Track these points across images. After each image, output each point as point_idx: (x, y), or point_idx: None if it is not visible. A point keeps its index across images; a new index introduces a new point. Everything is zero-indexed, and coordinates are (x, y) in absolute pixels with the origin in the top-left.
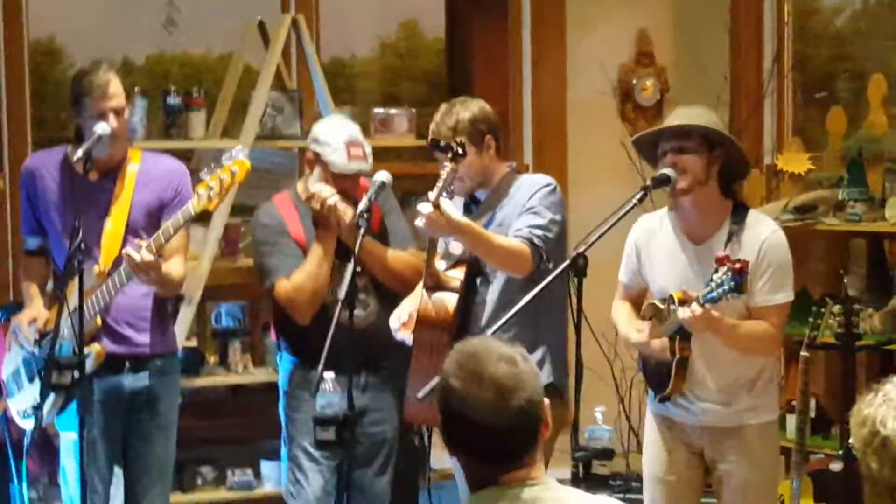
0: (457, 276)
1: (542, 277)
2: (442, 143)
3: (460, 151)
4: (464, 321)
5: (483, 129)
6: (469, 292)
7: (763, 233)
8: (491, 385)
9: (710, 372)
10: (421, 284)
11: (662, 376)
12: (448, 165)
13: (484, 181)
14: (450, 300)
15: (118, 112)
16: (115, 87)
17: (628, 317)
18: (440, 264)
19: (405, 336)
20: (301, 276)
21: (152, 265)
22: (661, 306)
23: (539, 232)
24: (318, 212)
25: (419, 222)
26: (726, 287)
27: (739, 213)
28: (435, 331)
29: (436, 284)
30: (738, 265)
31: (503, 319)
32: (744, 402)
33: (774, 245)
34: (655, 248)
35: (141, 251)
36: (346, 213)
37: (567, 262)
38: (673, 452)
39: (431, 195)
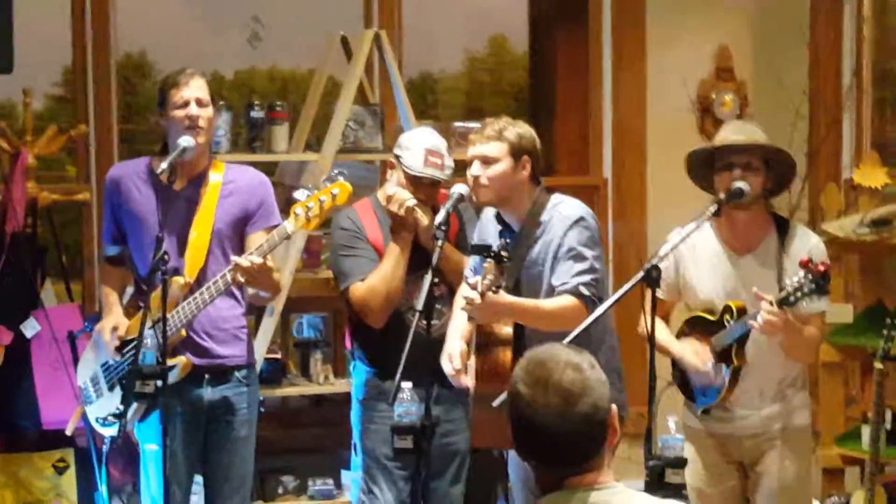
0: (507, 324)
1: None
2: (484, 246)
3: (505, 255)
4: None
5: (526, 146)
6: (521, 340)
7: (809, 242)
8: (557, 391)
9: (756, 378)
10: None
11: (704, 389)
12: (489, 266)
13: (509, 199)
14: (504, 352)
15: (202, 104)
16: (201, 82)
17: (668, 333)
18: None
19: (462, 383)
20: (375, 279)
21: (263, 268)
22: (710, 318)
23: (586, 278)
24: (396, 214)
25: (465, 308)
26: (807, 289)
27: (783, 225)
28: (496, 384)
29: (487, 341)
30: (821, 268)
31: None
32: (783, 406)
33: (821, 252)
34: (697, 260)
35: (248, 257)
36: (425, 217)
37: (641, 273)
38: (713, 464)
39: (478, 286)
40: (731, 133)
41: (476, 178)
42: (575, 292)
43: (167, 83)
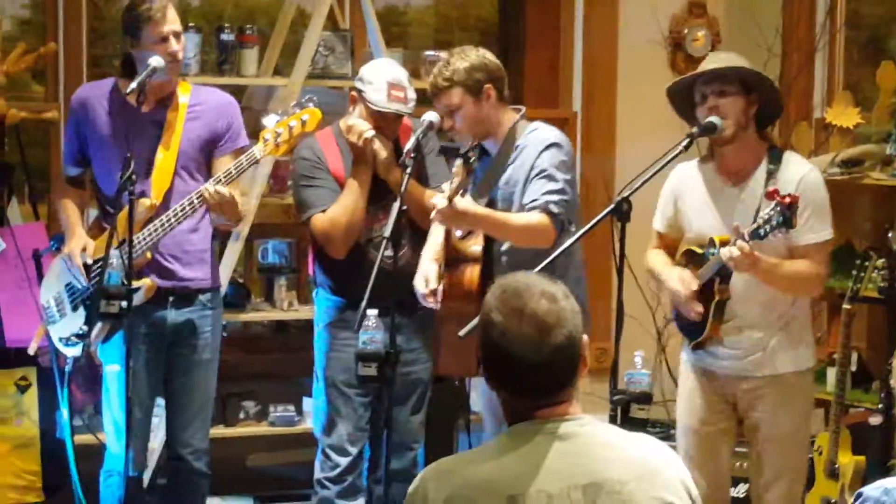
0: (476, 242)
1: (566, 237)
2: (452, 148)
3: (472, 155)
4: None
5: (480, 77)
6: (490, 260)
7: (801, 171)
8: (532, 321)
9: (745, 314)
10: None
11: (697, 323)
12: (458, 168)
13: (487, 130)
14: (472, 270)
15: (177, 37)
16: (173, 12)
17: (665, 263)
18: (457, 232)
19: (432, 304)
20: (337, 210)
21: (227, 198)
22: (699, 251)
23: (555, 197)
24: (355, 145)
25: (434, 216)
26: (775, 222)
27: (775, 153)
28: (462, 302)
29: (456, 257)
30: (787, 199)
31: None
32: (778, 350)
33: (812, 183)
34: (693, 194)
35: (213, 186)
36: (383, 148)
37: (611, 206)
38: (707, 403)
39: (445, 191)
40: (707, 63)
41: (452, 127)
42: (544, 209)
43: (141, 16)
